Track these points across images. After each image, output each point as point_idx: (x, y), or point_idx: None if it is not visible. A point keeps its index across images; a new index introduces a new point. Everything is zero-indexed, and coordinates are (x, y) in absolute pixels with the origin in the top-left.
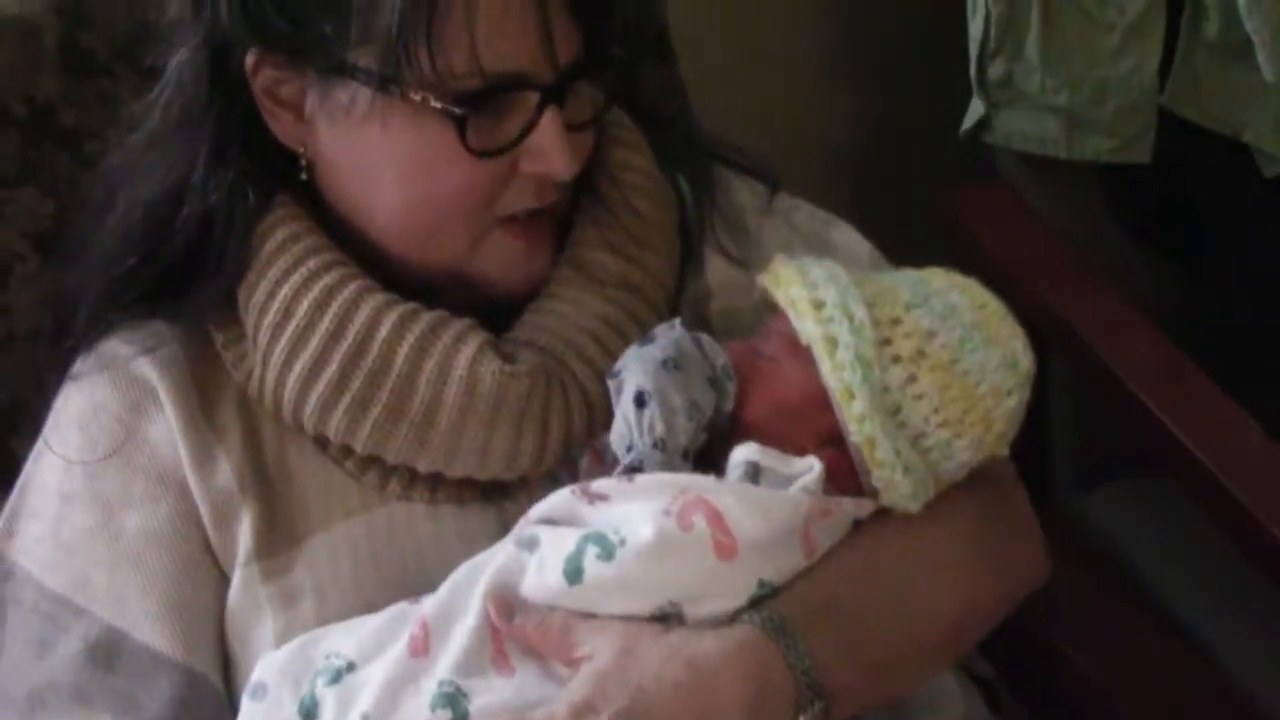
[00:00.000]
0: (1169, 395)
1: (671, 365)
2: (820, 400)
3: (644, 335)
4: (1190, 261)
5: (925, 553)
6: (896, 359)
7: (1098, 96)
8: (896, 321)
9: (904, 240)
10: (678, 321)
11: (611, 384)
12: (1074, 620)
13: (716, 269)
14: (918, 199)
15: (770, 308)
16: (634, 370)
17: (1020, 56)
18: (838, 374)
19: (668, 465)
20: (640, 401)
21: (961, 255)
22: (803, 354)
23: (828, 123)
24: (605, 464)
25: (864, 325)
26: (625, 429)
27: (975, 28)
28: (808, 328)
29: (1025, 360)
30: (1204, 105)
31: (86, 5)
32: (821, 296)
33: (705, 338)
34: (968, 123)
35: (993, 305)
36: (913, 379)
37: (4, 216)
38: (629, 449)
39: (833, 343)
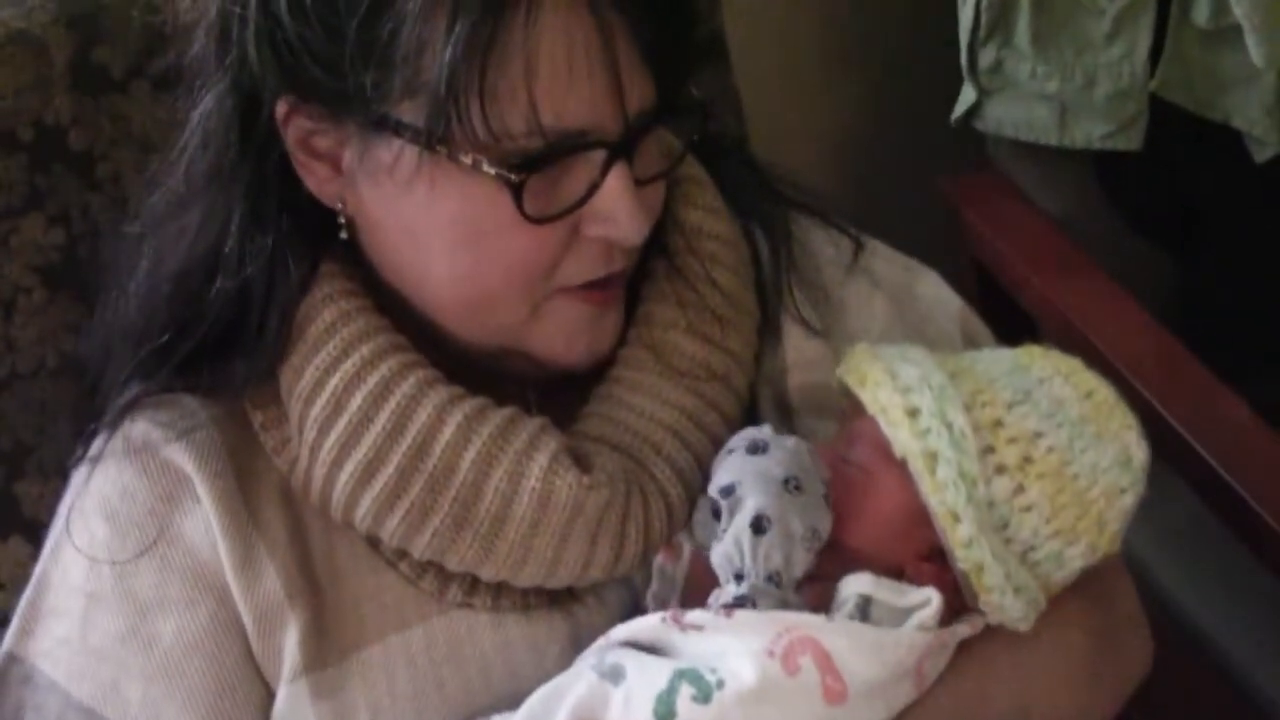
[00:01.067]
0: (1161, 381)
1: (793, 486)
2: (919, 517)
3: (726, 426)
4: (1183, 248)
5: (1038, 672)
6: (1001, 469)
7: (1088, 83)
8: (998, 424)
9: (898, 229)
10: (767, 427)
11: (724, 502)
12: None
13: (795, 341)
14: (911, 187)
15: (851, 394)
16: (753, 489)
17: (1010, 43)
18: (939, 495)
19: (781, 602)
20: (759, 528)
21: (955, 243)
22: (897, 465)
23: (821, 111)
24: (681, 561)
25: (965, 435)
26: (737, 555)
27: (965, 15)
28: (903, 440)
29: (1140, 454)
30: (1194, 91)
31: (101, 17)
32: (916, 403)
33: (810, 448)
34: (959, 110)
35: (1101, 393)
36: (1020, 489)
37: (8, 247)
38: (739, 577)
39: (932, 458)
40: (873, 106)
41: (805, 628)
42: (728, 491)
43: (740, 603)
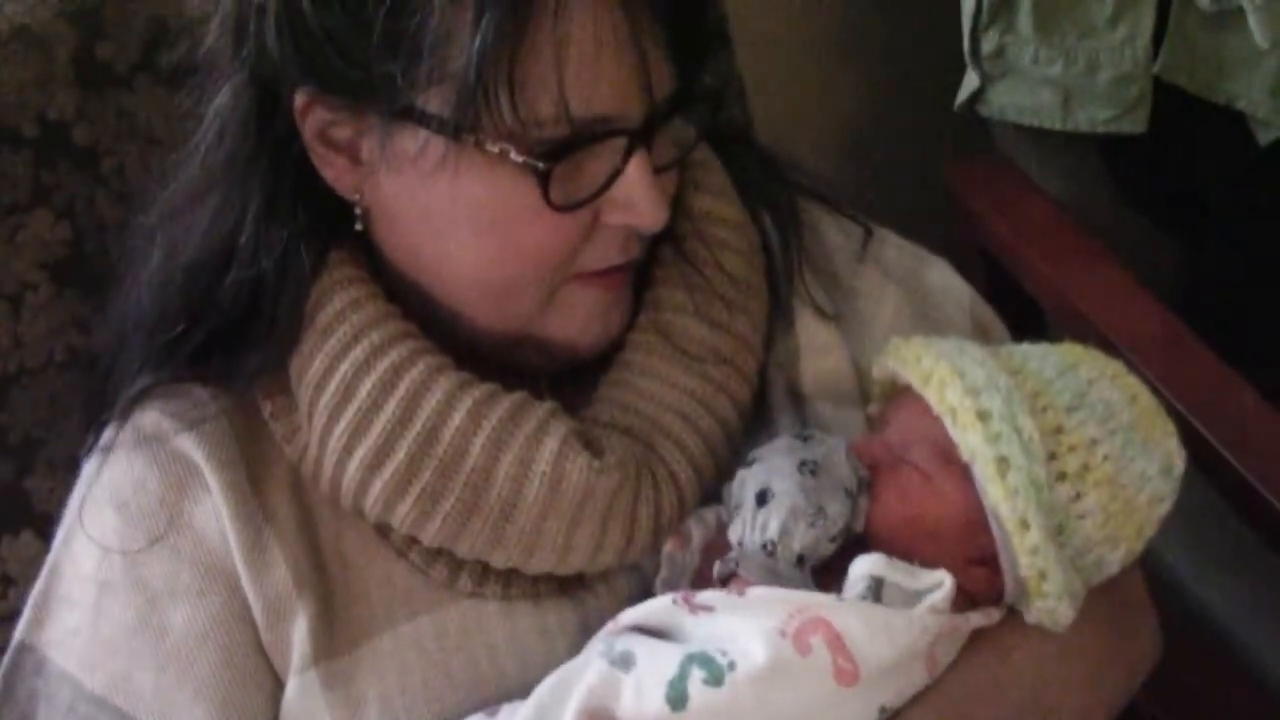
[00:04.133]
0: (1167, 365)
1: (809, 469)
2: (977, 523)
3: (735, 409)
4: (1188, 231)
5: (1052, 664)
6: (1062, 476)
7: (1091, 67)
8: (1059, 430)
9: (903, 215)
10: (814, 429)
11: (741, 472)
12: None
13: (806, 325)
14: (916, 173)
15: (894, 387)
16: (766, 464)
17: (1013, 29)
18: (1010, 500)
19: (770, 572)
20: (762, 499)
21: (960, 228)
22: (957, 468)
23: (824, 99)
24: (690, 549)
25: (1034, 441)
26: (739, 524)
27: (968, 1)
28: (974, 443)
29: (1179, 463)
30: (1197, 74)
31: (103, 12)
32: (987, 406)
33: (848, 448)
34: (962, 96)
35: (1144, 399)
36: (1078, 496)
37: (15, 243)
38: (739, 545)
39: (1004, 463)
40: (876, 93)
41: (817, 608)
42: (748, 462)
43: (730, 568)
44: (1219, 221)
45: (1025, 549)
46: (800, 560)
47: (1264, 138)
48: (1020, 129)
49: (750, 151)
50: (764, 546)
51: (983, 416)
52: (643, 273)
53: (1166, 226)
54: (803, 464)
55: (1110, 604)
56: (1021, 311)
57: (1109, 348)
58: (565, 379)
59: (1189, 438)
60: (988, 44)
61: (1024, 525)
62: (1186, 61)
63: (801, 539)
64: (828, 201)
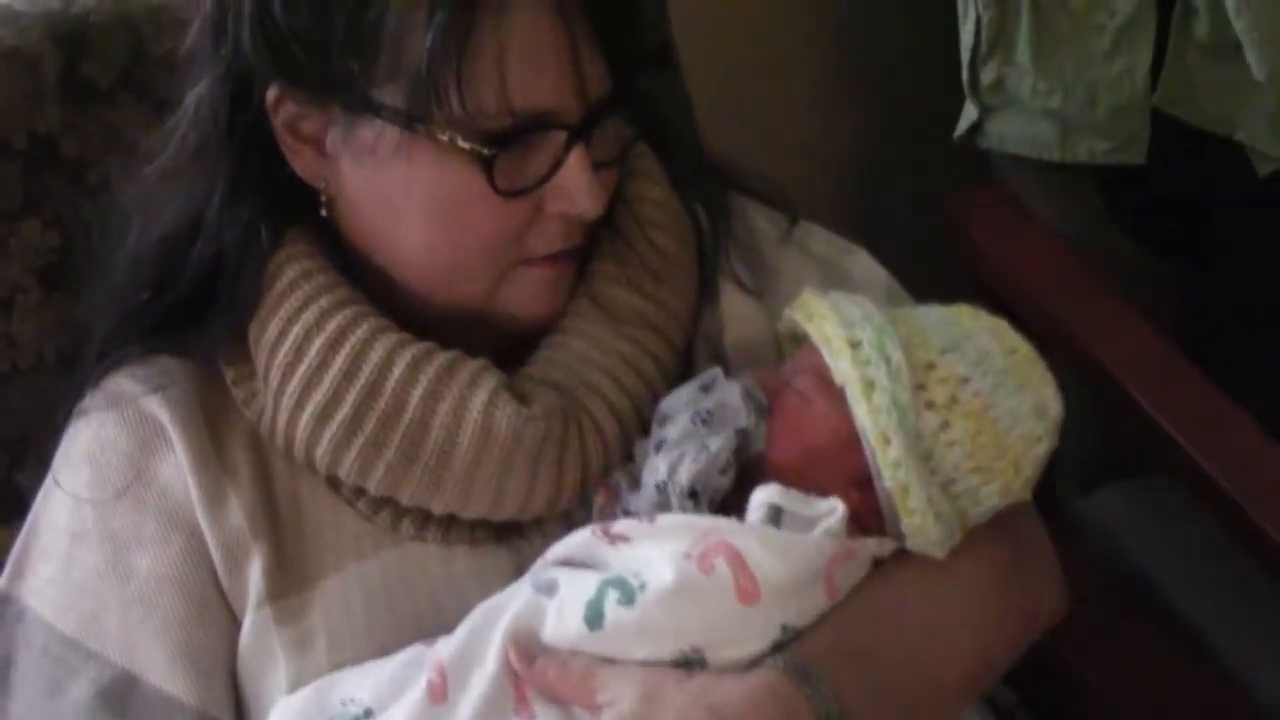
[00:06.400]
0: (1164, 394)
1: (700, 419)
2: (850, 441)
3: (660, 373)
4: (1188, 262)
5: (948, 595)
6: (930, 405)
7: (1090, 99)
8: (930, 366)
9: (902, 245)
10: (719, 370)
11: (655, 425)
12: (1096, 646)
13: (731, 299)
14: (915, 204)
15: (797, 340)
16: (670, 418)
17: (1011, 60)
18: (874, 417)
19: (664, 509)
20: (659, 447)
21: (959, 259)
22: (835, 393)
23: (824, 130)
24: (619, 500)
25: (901, 369)
26: (643, 471)
27: (966, 32)
28: (843, 367)
29: (1055, 407)
30: (1196, 105)
31: (88, 34)
32: (858, 336)
33: (750, 383)
34: (961, 127)
35: (1024, 350)
36: (945, 425)
37: (7, 249)
38: (640, 489)
39: (869, 385)
40: (875, 125)
41: (720, 532)
42: (658, 420)
43: (629, 509)
44: (1218, 251)
45: (888, 463)
46: (694, 494)
47: (1263, 169)
48: (1019, 160)
49: (688, 151)
50: (657, 487)
51: (854, 344)
52: (585, 255)
53: (1165, 257)
54: (695, 414)
55: (1005, 544)
56: None
57: (1107, 375)
58: (509, 351)
59: (1185, 466)
60: (986, 75)
61: (886, 440)
62: (1185, 93)
63: (687, 472)
64: (756, 193)
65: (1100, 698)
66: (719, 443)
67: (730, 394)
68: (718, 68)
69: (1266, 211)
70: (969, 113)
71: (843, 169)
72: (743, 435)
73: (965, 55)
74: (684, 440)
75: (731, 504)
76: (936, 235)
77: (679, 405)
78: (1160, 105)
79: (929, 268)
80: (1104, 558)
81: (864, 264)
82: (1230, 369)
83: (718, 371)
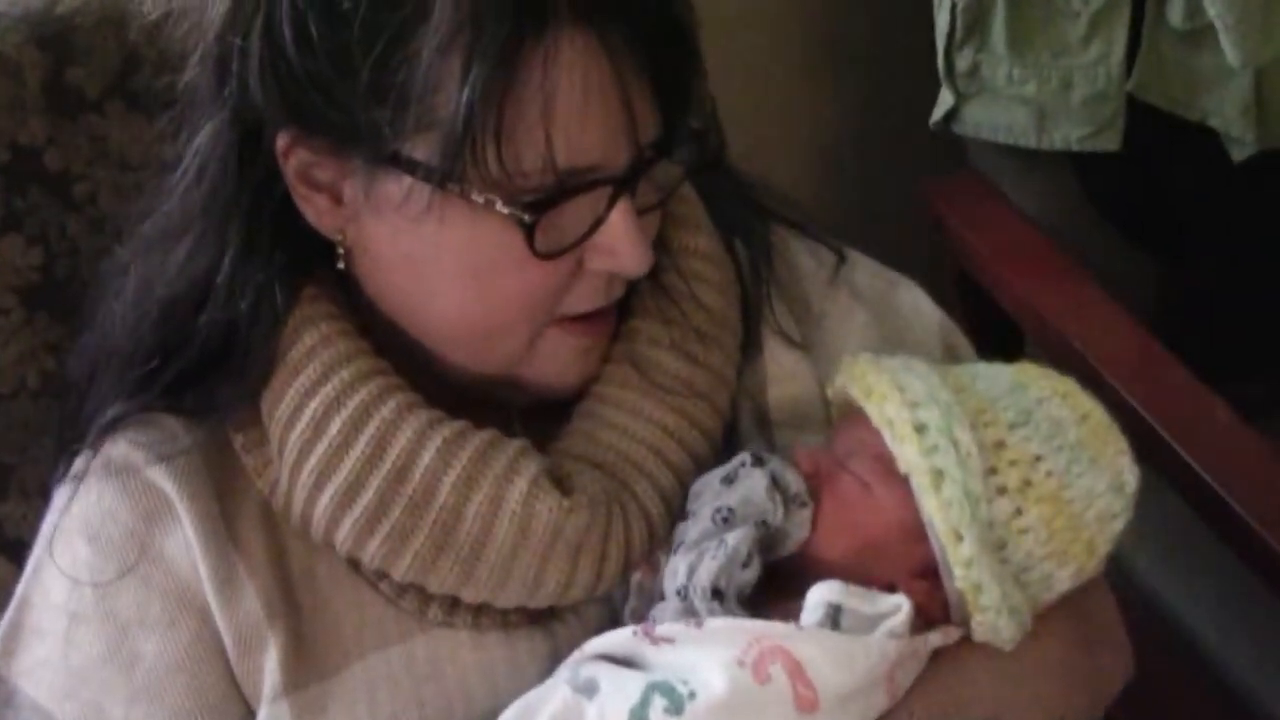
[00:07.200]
0: (1141, 383)
1: (720, 517)
2: (915, 533)
3: (707, 442)
4: (1164, 248)
5: (1014, 686)
6: (1002, 490)
7: (1065, 85)
8: (1001, 445)
9: (881, 232)
10: (748, 457)
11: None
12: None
13: (775, 353)
14: (892, 192)
15: (848, 406)
16: (692, 512)
17: (986, 47)
18: (944, 512)
19: (688, 615)
20: (676, 549)
21: (935, 248)
22: (898, 481)
23: (799, 118)
24: (659, 576)
25: (971, 455)
26: (663, 573)
27: (942, 19)
28: (909, 455)
29: (1132, 480)
30: (1171, 91)
31: (74, 38)
32: (924, 419)
33: (781, 469)
34: (937, 114)
35: (1096, 416)
36: (1019, 512)
37: None
38: (661, 595)
39: (939, 475)
40: (851, 112)
41: (775, 637)
42: (684, 516)
43: (644, 619)
44: (1194, 237)
45: (960, 560)
46: (717, 593)
47: (1237, 155)
48: (995, 147)
49: (725, 179)
50: (678, 593)
51: (919, 429)
52: (620, 304)
53: (1141, 243)
54: (716, 511)
55: (1073, 621)
56: (997, 329)
57: (1083, 364)
58: (537, 409)
59: (1163, 453)
60: (962, 62)
61: (958, 537)
62: (1160, 79)
63: (708, 571)
64: (800, 227)
65: None
66: (738, 536)
67: (755, 488)
68: None
69: (1241, 197)
70: (945, 99)
71: (819, 156)
72: (764, 527)
73: (940, 42)
74: (702, 540)
75: (760, 601)
76: (913, 223)
77: (702, 501)
78: (1135, 91)
79: (906, 255)
80: None
81: (913, 298)
82: (1205, 354)
83: (746, 458)
